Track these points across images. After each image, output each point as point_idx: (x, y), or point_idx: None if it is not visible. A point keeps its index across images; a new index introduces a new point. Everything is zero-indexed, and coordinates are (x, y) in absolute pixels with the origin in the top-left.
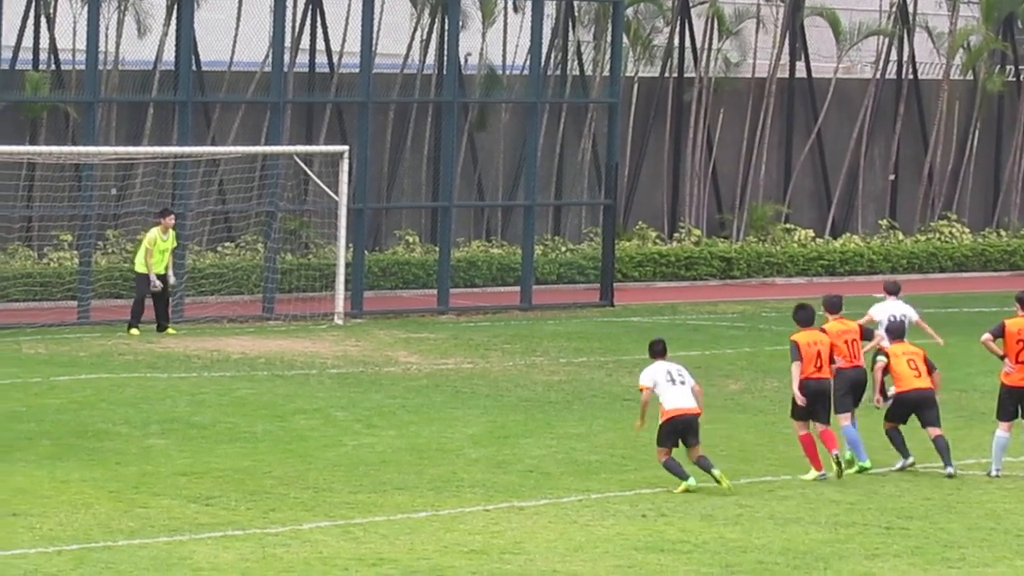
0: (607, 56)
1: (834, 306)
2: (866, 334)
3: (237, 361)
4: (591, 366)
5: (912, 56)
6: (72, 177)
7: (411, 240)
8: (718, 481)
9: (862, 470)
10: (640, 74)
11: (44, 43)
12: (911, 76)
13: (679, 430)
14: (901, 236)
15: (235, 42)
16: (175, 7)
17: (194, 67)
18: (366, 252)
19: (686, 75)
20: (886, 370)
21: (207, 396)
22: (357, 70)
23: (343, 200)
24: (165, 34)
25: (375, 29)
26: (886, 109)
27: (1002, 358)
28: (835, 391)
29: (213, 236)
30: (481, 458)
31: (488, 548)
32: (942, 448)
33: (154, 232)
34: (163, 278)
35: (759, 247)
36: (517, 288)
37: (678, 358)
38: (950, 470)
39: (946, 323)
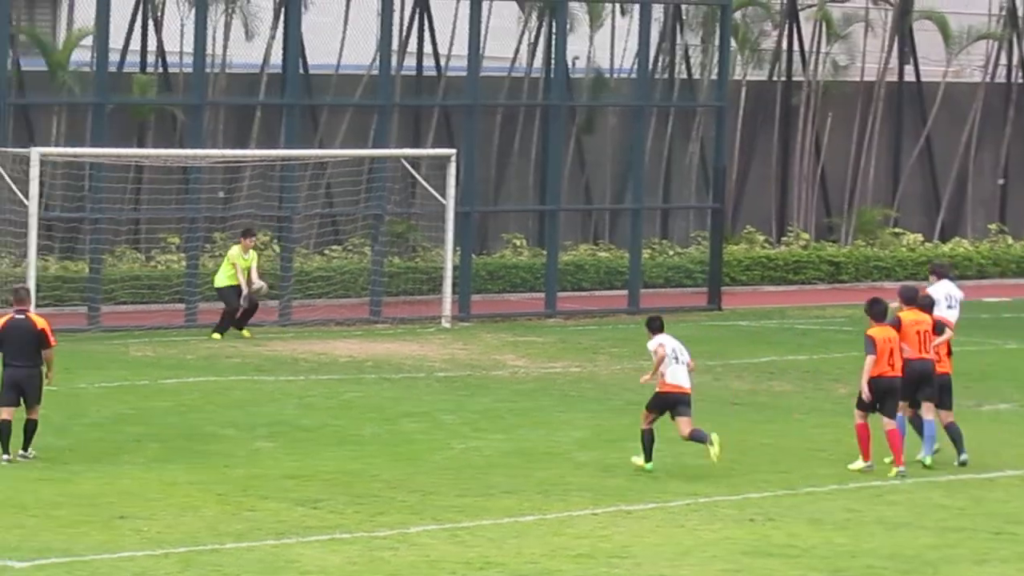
0: (715, 59)
1: (910, 297)
2: (938, 328)
3: (345, 364)
4: (699, 370)
5: (1022, 59)
6: (179, 180)
7: (518, 243)
8: (710, 453)
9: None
10: (748, 77)
11: (152, 46)
12: (1021, 79)
13: (670, 403)
14: (1011, 240)
15: (342, 45)
16: (283, 10)
17: (301, 70)
18: (473, 255)
19: (794, 78)
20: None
21: (315, 399)
22: (464, 73)
23: (450, 203)
24: (273, 37)
25: (482, 32)
26: (995, 113)
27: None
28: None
29: (320, 239)
30: (589, 462)
31: (595, 552)
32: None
33: (235, 250)
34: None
35: (867, 251)
36: (625, 292)
37: (786, 362)
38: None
39: None
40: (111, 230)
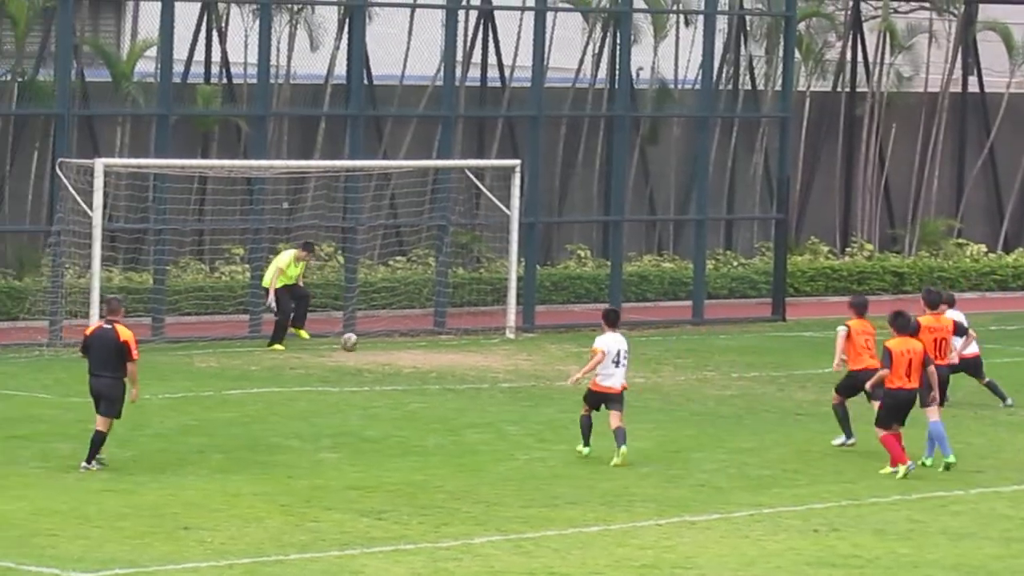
0: (779, 70)
1: (932, 302)
2: (959, 329)
3: (409, 375)
4: (763, 381)
5: None
6: (243, 191)
7: (582, 254)
8: (617, 455)
9: (948, 466)
10: (812, 88)
11: (216, 56)
12: None
13: (601, 400)
14: None
15: (407, 56)
16: (347, 21)
17: (366, 81)
18: (538, 266)
19: (858, 89)
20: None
21: (379, 410)
22: (529, 84)
23: (515, 214)
24: (337, 48)
25: (547, 43)
26: None
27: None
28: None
29: (385, 250)
30: (653, 472)
31: (660, 563)
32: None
33: (289, 256)
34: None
35: (931, 262)
36: (689, 302)
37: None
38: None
39: None
40: (175, 241)
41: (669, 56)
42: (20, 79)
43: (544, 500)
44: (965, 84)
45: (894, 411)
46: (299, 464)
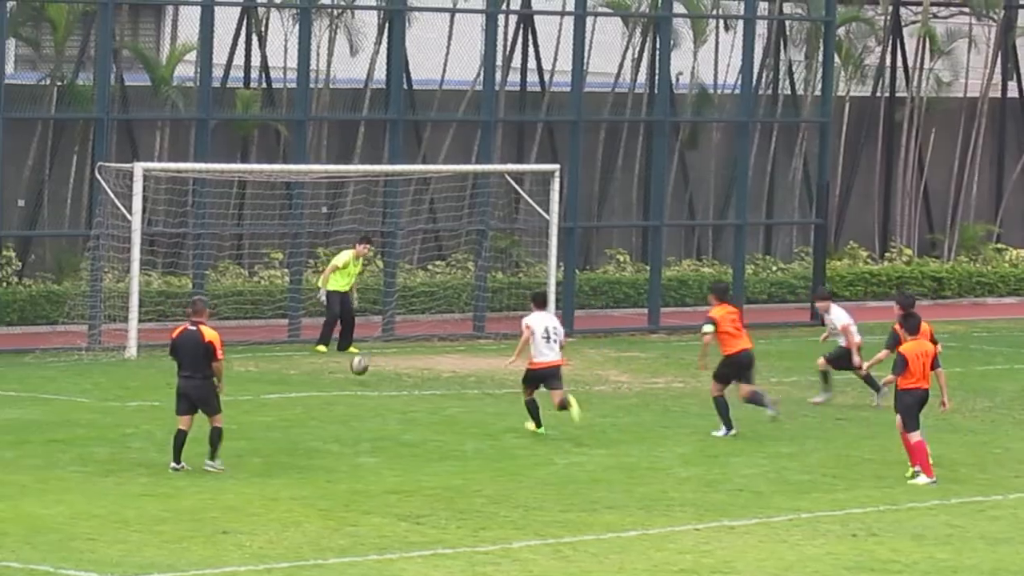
0: (818, 75)
1: (906, 305)
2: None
3: (447, 379)
4: (802, 385)
5: None
6: (283, 195)
7: (622, 259)
8: (572, 413)
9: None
10: (851, 93)
11: (255, 61)
12: None
13: (541, 378)
14: None
15: (446, 60)
16: (387, 25)
17: (405, 85)
18: (577, 271)
19: (897, 94)
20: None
21: (417, 414)
22: (568, 89)
23: (554, 219)
24: (376, 52)
25: (586, 48)
26: None
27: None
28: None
29: (424, 255)
30: (691, 477)
31: (698, 567)
32: (757, 399)
33: (347, 255)
34: (346, 297)
35: (970, 267)
36: None
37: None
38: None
39: None
40: (214, 245)
41: (709, 61)
42: (60, 83)
43: (583, 504)
44: (1005, 89)
45: (914, 408)
46: (338, 468)
